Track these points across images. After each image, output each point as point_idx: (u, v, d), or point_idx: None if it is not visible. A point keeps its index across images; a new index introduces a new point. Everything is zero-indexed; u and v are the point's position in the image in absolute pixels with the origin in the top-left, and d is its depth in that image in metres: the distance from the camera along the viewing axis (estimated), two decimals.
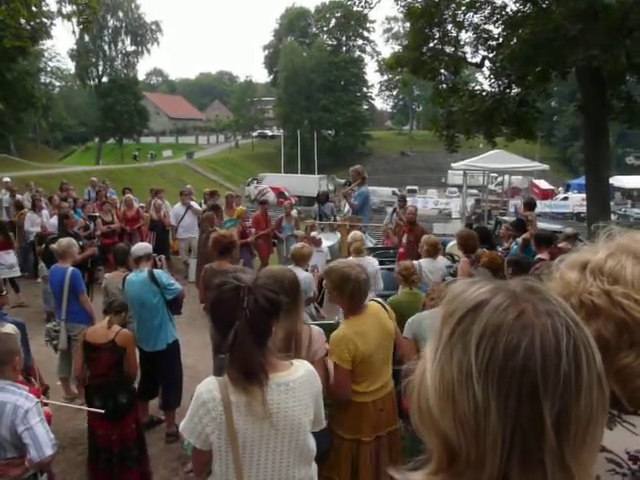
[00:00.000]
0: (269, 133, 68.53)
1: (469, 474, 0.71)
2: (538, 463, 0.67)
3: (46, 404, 3.49)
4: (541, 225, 9.53)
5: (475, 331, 0.70)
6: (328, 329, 3.27)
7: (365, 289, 3.11)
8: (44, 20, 18.34)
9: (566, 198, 35.83)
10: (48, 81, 61.04)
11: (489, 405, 0.67)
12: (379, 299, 3.47)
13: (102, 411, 3.86)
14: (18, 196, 12.27)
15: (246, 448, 1.88)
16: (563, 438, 0.67)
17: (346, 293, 3.05)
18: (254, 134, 66.57)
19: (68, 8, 20.07)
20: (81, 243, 7.32)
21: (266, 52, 72.40)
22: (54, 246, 5.71)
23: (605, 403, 0.72)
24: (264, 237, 10.08)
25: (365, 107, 68.91)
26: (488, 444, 0.68)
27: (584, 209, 16.39)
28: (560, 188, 42.59)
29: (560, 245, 5.67)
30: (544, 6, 12.17)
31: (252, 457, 1.90)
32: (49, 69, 60.30)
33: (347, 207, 9.79)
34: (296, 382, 1.96)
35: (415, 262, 5.94)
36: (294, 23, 69.63)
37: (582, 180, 20.16)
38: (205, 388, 1.90)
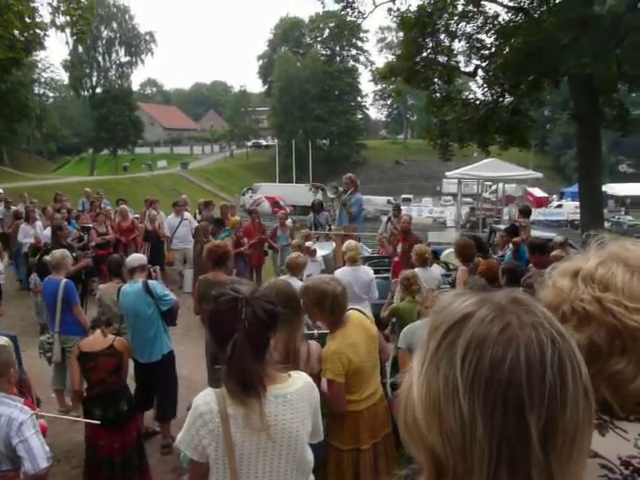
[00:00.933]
0: (264, 143, 68.69)
1: None
2: (525, 476, 0.67)
3: (42, 416, 3.47)
4: (535, 233, 9.57)
5: (460, 344, 0.70)
6: (318, 340, 3.29)
7: (344, 302, 3.09)
8: (37, 31, 18.39)
9: (560, 206, 36.03)
10: (42, 92, 61.07)
11: (475, 419, 0.67)
12: (359, 307, 3.47)
13: (98, 422, 3.84)
14: (13, 207, 12.25)
15: (243, 460, 1.87)
16: (550, 450, 0.67)
17: (326, 309, 3.03)
18: (249, 144, 66.70)
19: (62, 19, 20.22)
20: (75, 254, 7.31)
21: (260, 62, 72.76)
22: (48, 258, 5.69)
23: (591, 415, 0.72)
24: (255, 246, 10.09)
25: (359, 116, 69.21)
26: (475, 458, 0.68)
27: (578, 217, 16.47)
28: (554, 196, 42.81)
29: (554, 253, 5.69)
30: (536, 16, 12.31)
31: (249, 470, 1.88)
32: (43, 80, 60.37)
33: (340, 216, 9.81)
34: (294, 394, 1.95)
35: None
36: (288, 33, 70.05)
37: (576, 188, 20.28)
38: (202, 400, 1.89)
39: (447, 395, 0.70)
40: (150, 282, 4.87)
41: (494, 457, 0.67)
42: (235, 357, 1.80)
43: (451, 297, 0.79)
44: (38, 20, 18.45)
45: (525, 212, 9.48)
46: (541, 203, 36.75)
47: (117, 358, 4.04)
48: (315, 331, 3.78)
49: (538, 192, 38.82)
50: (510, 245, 8.05)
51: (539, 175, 20.05)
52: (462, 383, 0.68)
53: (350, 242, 6.46)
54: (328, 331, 3.21)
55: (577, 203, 17.22)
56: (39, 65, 54.81)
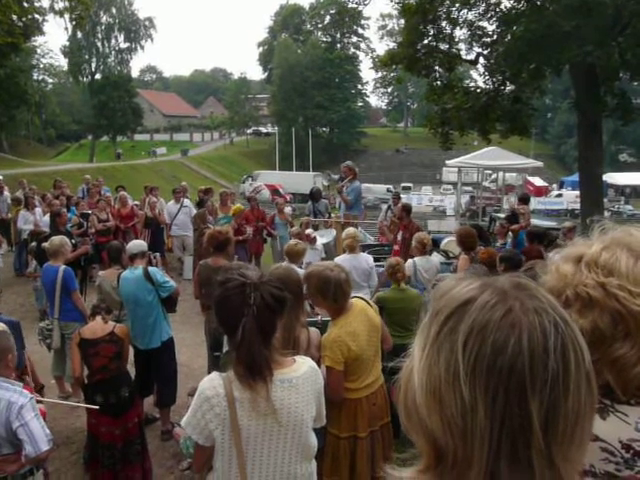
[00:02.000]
0: (264, 130, 68.39)
1: (457, 473, 0.71)
2: (526, 462, 0.67)
3: (41, 402, 3.48)
4: (535, 222, 9.58)
5: (462, 330, 0.70)
6: (321, 326, 3.29)
7: (347, 289, 3.07)
8: (36, 16, 18.27)
9: (560, 195, 35.96)
10: (41, 78, 60.50)
11: (476, 404, 0.67)
12: (361, 295, 3.46)
13: (97, 407, 3.85)
14: (6, 193, 12.24)
15: (249, 444, 1.88)
16: (551, 437, 0.67)
17: (329, 296, 3.02)
18: (249, 131, 66.42)
19: (60, 4, 20.04)
20: (74, 241, 7.29)
21: (260, 49, 72.22)
22: (46, 245, 5.67)
23: (593, 401, 0.71)
24: (254, 233, 10.10)
25: (360, 104, 68.83)
26: (476, 443, 0.67)
27: (578, 206, 16.47)
28: (554, 185, 42.77)
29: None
30: (538, 3, 12.20)
31: (255, 453, 1.90)
32: (42, 66, 59.82)
33: (341, 204, 9.79)
34: (299, 379, 1.96)
35: (410, 261, 5.95)
36: (288, 20, 69.44)
37: (576, 177, 20.27)
38: (209, 384, 1.90)
39: (448, 380, 0.69)
40: (150, 269, 4.86)
41: (494, 443, 0.67)
42: (244, 342, 1.81)
43: (453, 282, 0.78)
44: (37, 5, 18.32)
45: (524, 199, 9.52)
46: (541, 192, 36.69)
47: (118, 345, 4.05)
48: (319, 317, 3.78)
49: (538, 181, 38.76)
50: (510, 233, 8.06)
51: (539, 164, 19.98)
52: (463, 369, 0.68)
53: (349, 229, 6.44)
54: (328, 318, 3.21)
55: (577, 192, 17.23)
56: (38, 51, 54.24)
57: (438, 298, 0.77)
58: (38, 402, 3.06)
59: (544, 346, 0.67)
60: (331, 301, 3.04)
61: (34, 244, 7.72)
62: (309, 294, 3.09)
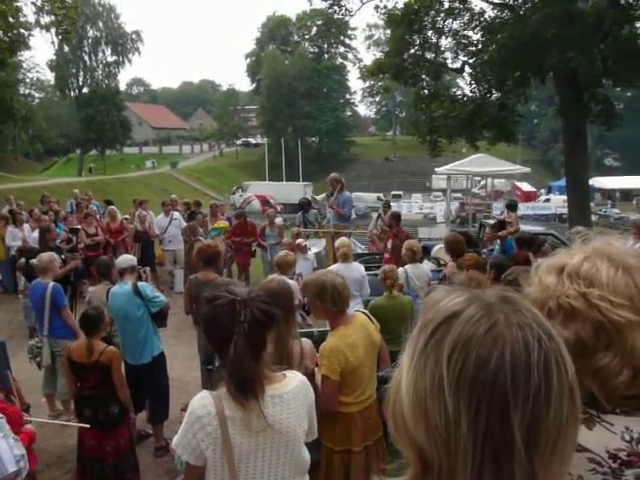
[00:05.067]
0: (253, 141, 68.40)
1: None
2: (508, 475, 0.67)
3: (30, 422, 3.44)
4: (523, 227, 9.64)
5: (447, 343, 0.70)
6: (317, 338, 3.27)
7: (345, 292, 3.07)
8: (22, 31, 18.14)
9: (548, 200, 36.27)
10: (27, 92, 60.37)
11: (460, 417, 0.67)
12: (365, 310, 3.45)
13: (87, 425, 3.81)
14: None
15: (242, 462, 1.87)
16: (533, 450, 0.68)
17: (327, 300, 3.01)
18: (238, 142, 66.39)
19: (46, 19, 19.93)
20: (63, 257, 7.24)
21: (248, 60, 72.33)
22: (34, 261, 5.62)
23: (576, 415, 0.72)
24: (240, 245, 10.10)
25: (348, 114, 69.17)
26: (459, 456, 0.68)
27: (566, 210, 16.60)
28: (542, 190, 43.11)
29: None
30: (521, 12, 12.39)
31: (247, 471, 1.89)
32: (28, 80, 59.78)
33: (331, 214, 9.81)
34: (290, 394, 1.95)
35: (401, 269, 5.96)
36: (275, 31, 69.74)
37: (563, 182, 20.45)
38: (199, 403, 1.88)
39: (433, 393, 0.70)
40: (139, 284, 4.83)
41: (478, 456, 0.67)
42: (236, 360, 1.79)
43: (442, 293, 0.79)
44: (22, 20, 18.21)
45: (512, 206, 9.60)
46: (529, 197, 36.99)
47: (103, 372, 3.98)
48: (315, 330, 3.77)
49: (526, 187, 39.04)
50: (498, 240, 8.13)
51: (527, 170, 20.12)
52: (448, 382, 0.68)
53: (343, 239, 6.47)
54: (322, 329, 3.20)
55: (565, 197, 17.36)
56: (24, 65, 54.21)
57: (427, 310, 0.78)
58: (27, 422, 3.02)
59: (526, 361, 0.68)
60: (330, 304, 3.02)
61: (22, 261, 7.65)
62: (309, 303, 3.08)
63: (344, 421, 3.08)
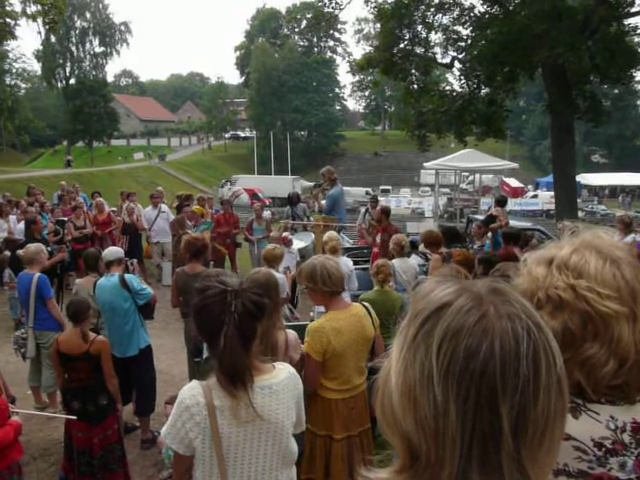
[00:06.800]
0: (242, 134, 68.18)
1: (430, 473, 0.72)
2: (496, 465, 0.68)
3: (16, 413, 3.41)
4: (511, 223, 9.72)
5: (437, 333, 0.71)
6: (303, 330, 3.27)
7: (336, 274, 3.09)
8: (8, 20, 17.86)
9: (536, 196, 36.55)
10: (13, 83, 59.46)
11: (448, 407, 0.68)
12: (367, 304, 3.46)
13: (74, 417, 3.78)
14: None
15: (230, 452, 1.87)
16: (520, 440, 0.68)
17: (318, 281, 3.05)
18: (227, 136, 66.09)
19: (33, 8, 19.64)
20: (50, 249, 7.17)
21: (237, 53, 71.99)
22: (20, 252, 5.56)
23: (564, 406, 0.73)
24: (225, 235, 10.11)
25: (338, 108, 69.12)
26: (447, 446, 0.68)
27: (553, 206, 16.76)
28: (529, 186, 43.45)
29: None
30: (510, 8, 12.44)
31: (236, 461, 1.89)
32: (14, 70, 58.80)
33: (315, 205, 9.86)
34: (279, 385, 1.96)
35: (389, 262, 6.00)
36: (265, 24, 69.39)
37: (550, 178, 20.62)
38: (188, 393, 1.88)
39: (422, 383, 0.70)
40: (126, 276, 4.80)
41: (466, 446, 0.68)
42: (226, 350, 1.79)
43: (433, 284, 0.79)
44: (8, 9, 17.93)
45: (501, 202, 9.66)
46: (517, 193, 37.26)
47: (94, 362, 3.96)
48: (293, 323, 3.78)
49: (514, 182, 39.37)
50: (489, 234, 8.18)
51: (515, 165, 20.32)
52: (437, 372, 0.69)
53: (331, 232, 6.48)
54: (307, 322, 3.21)
55: (552, 193, 17.53)
56: (10, 55, 53.24)
57: (417, 300, 0.78)
58: (13, 414, 3.00)
59: (516, 352, 0.68)
60: (321, 285, 3.05)
61: (8, 252, 7.57)
62: (305, 289, 3.11)
63: (325, 406, 3.12)
